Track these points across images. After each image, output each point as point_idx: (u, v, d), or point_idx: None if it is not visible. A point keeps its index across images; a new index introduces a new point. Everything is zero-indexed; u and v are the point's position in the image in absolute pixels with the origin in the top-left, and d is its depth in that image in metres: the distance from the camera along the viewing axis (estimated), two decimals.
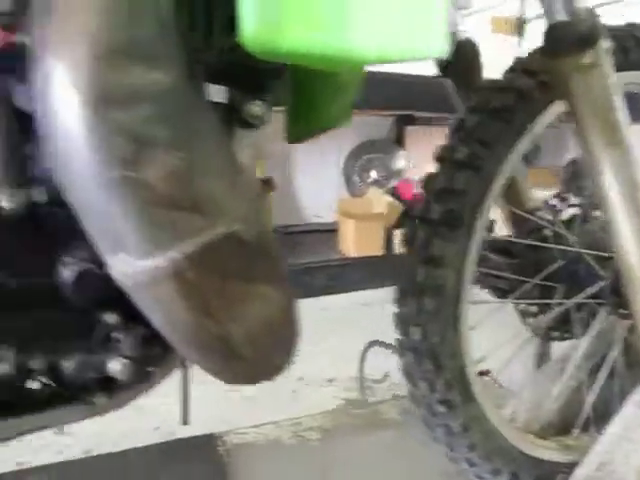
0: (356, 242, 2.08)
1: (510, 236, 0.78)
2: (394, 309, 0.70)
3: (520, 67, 0.67)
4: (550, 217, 0.78)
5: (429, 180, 0.65)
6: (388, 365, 1.14)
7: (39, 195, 0.39)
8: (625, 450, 0.76)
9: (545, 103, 0.66)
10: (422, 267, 0.64)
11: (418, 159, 2.19)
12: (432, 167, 0.67)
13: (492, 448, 0.72)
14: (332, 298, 1.88)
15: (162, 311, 0.37)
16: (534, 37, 0.69)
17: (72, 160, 0.34)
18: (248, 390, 1.12)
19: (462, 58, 0.71)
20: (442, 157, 0.65)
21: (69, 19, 0.33)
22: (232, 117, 0.44)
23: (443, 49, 0.38)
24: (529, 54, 0.68)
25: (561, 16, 0.55)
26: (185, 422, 0.58)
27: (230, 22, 0.43)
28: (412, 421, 1.00)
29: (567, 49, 0.55)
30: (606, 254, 0.72)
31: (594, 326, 0.77)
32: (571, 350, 0.85)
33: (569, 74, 0.56)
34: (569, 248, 0.74)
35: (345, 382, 1.39)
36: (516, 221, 0.79)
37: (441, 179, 0.64)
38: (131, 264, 0.35)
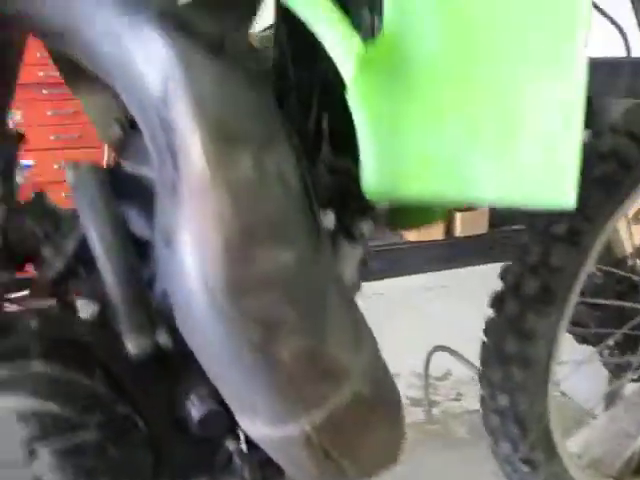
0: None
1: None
2: (480, 365, 0.71)
3: (622, 128, 0.62)
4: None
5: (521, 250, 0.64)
6: (449, 363, 1.12)
7: (164, 339, 0.40)
8: None
9: None
10: (512, 337, 0.64)
11: None
12: None
13: None
14: (392, 281, 1.87)
15: (288, 461, 0.39)
16: None
17: (203, 340, 0.35)
18: None
19: None
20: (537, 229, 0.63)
21: (198, 197, 0.33)
22: (339, 237, 0.45)
23: (571, 201, 0.36)
24: (628, 112, 0.64)
25: None
26: None
27: (339, 144, 0.43)
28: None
29: None
30: None
31: None
32: None
33: None
34: None
35: (408, 377, 1.40)
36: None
37: (536, 252, 0.62)
38: (261, 429, 0.37)
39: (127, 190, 0.42)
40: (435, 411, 1.23)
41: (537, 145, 0.35)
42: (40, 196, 0.44)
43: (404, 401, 1.39)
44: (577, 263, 0.62)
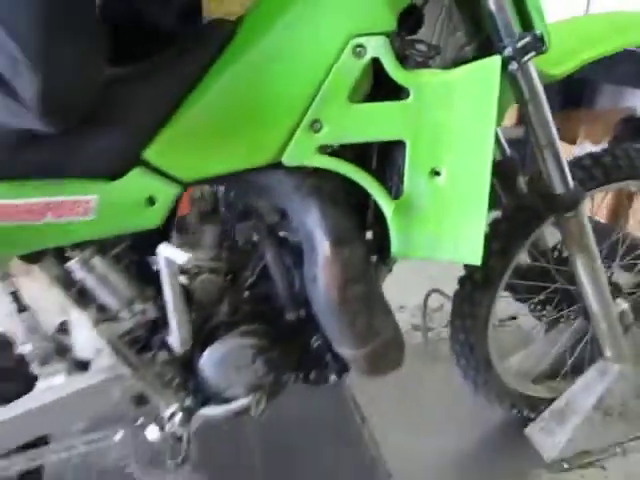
0: None
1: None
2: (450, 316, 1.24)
3: None
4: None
5: None
6: (442, 300, 1.60)
7: (303, 314, 0.93)
8: (583, 396, 1.30)
9: None
10: (467, 303, 1.17)
11: None
12: None
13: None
14: None
15: (356, 364, 0.93)
16: None
17: (325, 315, 0.87)
18: None
19: None
20: None
21: (327, 265, 0.84)
22: (380, 266, 0.95)
23: (478, 259, 0.85)
24: None
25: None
26: None
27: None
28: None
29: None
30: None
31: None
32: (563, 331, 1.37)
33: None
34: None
35: (412, 310, 1.94)
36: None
37: None
38: (345, 351, 0.90)
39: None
40: (430, 335, 1.77)
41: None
42: None
43: (408, 327, 1.97)
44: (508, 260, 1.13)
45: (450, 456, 1.33)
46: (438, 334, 1.77)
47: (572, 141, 2.67)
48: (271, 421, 1.40)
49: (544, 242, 1.24)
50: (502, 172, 1.14)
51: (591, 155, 1.13)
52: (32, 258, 0.81)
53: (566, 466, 1.29)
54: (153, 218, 0.78)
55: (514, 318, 1.72)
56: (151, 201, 0.77)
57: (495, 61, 0.72)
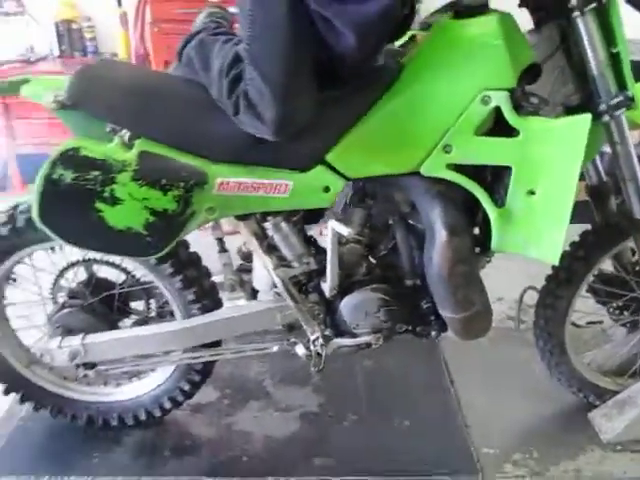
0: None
1: None
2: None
3: None
4: None
5: None
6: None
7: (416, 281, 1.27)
8: None
9: None
10: (549, 296, 1.45)
11: None
12: None
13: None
14: None
15: (452, 326, 1.26)
16: None
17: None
18: None
19: None
20: None
21: (442, 248, 1.18)
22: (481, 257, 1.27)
23: (556, 260, 1.14)
24: None
25: None
26: None
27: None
28: None
29: None
30: None
31: None
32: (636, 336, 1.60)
33: None
34: None
35: (509, 303, 2.20)
36: None
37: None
38: (448, 314, 1.23)
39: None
40: (522, 327, 2.03)
41: None
42: None
43: (503, 316, 2.26)
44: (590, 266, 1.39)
45: (520, 422, 1.63)
46: (528, 327, 2.03)
47: None
48: (377, 369, 1.79)
49: (627, 256, 1.48)
50: (596, 194, 1.40)
51: None
52: (242, 217, 1.23)
53: (619, 448, 1.53)
54: (326, 201, 1.16)
55: (600, 322, 1.94)
56: (327, 189, 1.15)
57: (586, 118, 1.01)
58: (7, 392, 1.50)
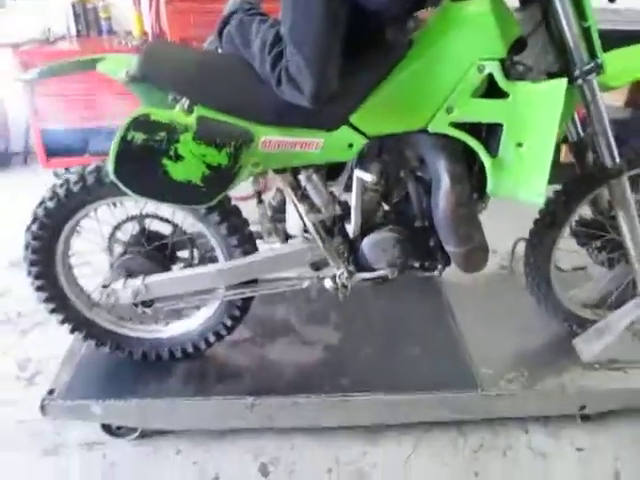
0: None
1: None
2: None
3: None
4: None
5: None
6: None
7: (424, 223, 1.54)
8: (619, 320, 1.82)
9: None
10: (534, 245, 1.72)
11: None
12: None
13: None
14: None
15: (455, 254, 1.53)
16: None
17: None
18: None
19: None
20: None
21: (445, 195, 1.44)
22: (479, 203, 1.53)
23: (541, 201, 1.41)
24: None
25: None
26: None
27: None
28: None
29: None
30: None
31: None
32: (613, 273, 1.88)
33: None
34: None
35: (502, 254, 2.49)
36: None
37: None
38: (451, 248, 1.50)
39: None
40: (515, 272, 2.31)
41: None
42: None
43: (496, 267, 2.59)
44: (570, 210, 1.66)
45: (513, 348, 1.92)
46: (519, 274, 2.32)
47: None
48: (388, 309, 2.07)
49: (603, 202, 1.75)
50: (576, 150, 1.66)
51: None
52: (279, 171, 1.48)
53: (597, 366, 1.82)
54: (350, 155, 1.42)
55: (584, 268, 2.22)
56: (350, 145, 1.41)
57: (562, 82, 1.27)
58: (73, 331, 1.77)
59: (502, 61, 1.31)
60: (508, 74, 1.33)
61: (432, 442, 1.79)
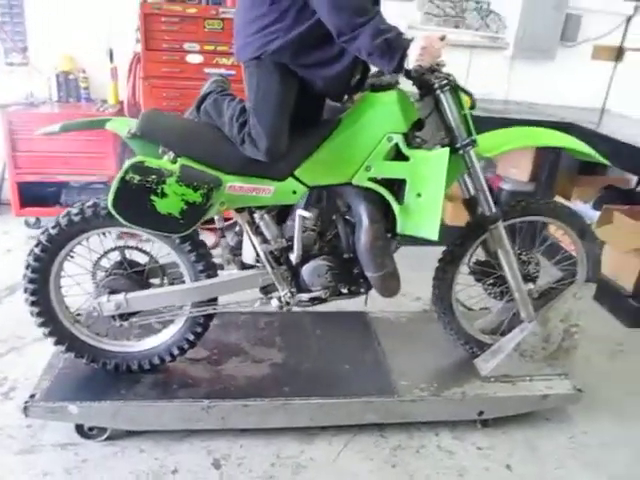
0: (451, 216, 3.60)
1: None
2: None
3: None
4: None
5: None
6: None
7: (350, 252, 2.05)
8: (509, 342, 2.33)
9: None
10: (440, 284, 2.25)
11: None
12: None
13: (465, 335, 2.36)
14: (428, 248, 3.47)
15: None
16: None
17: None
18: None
19: None
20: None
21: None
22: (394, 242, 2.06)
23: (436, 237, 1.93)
24: None
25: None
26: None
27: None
28: None
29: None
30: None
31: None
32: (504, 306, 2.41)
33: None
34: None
35: (425, 300, 3.02)
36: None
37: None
38: (370, 275, 2.00)
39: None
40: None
41: None
42: None
43: (420, 309, 3.15)
44: (465, 249, 2.20)
45: (426, 366, 2.39)
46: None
47: (567, 198, 3.69)
48: (325, 336, 2.53)
49: (492, 245, 2.30)
50: (468, 204, 2.22)
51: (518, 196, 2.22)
52: (239, 210, 1.97)
53: (492, 380, 2.31)
54: (294, 199, 1.94)
55: (487, 309, 2.75)
56: (294, 192, 1.93)
57: (445, 150, 1.84)
58: (57, 343, 2.14)
59: (405, 135, 1.88)
60: (410, 144, 1.89)
61: (359, 442, 2.21)
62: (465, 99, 1.92)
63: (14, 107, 3.54)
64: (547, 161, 3.69)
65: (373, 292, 2.14)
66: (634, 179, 3.93)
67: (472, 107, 1.98)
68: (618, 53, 4.13)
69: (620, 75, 4.14)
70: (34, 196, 3.61)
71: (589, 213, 3.44)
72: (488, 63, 4.14)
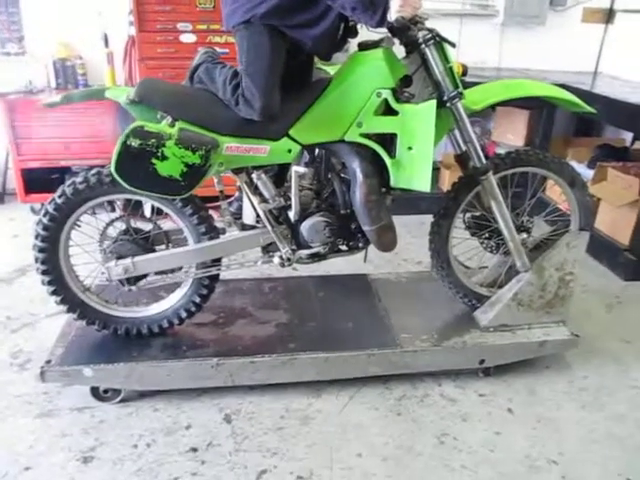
0: (448, 183, 3.68)
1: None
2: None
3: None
4: None
5: None
6: None
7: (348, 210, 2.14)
8: (506, 293, 2.42)
9: None
10: (436, 231, 2.34)
11: None
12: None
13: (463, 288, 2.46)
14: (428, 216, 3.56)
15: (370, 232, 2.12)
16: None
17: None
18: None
19: None
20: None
21: (360, 188, 2.04)
22: (387, 196, 2.15)
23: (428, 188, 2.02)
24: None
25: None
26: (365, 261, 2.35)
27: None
28: None
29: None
30: None
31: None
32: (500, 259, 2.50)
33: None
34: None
35: (425, 264, 3.11)
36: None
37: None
38: (366, 229, 2.09)
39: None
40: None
41: None
42: None
43: (423, 269, 3.25)
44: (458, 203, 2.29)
45: (427, 319, 2.48)
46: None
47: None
48: (328, 297, 2.62)
49: (485, 199, 2.38)
50: (460, 159, 2.30)
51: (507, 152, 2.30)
52: (237, 171, 2.06)
53: (491, 330, 2.40)
54: (289, 158, 2.03)
55: (486, 267, 2.84)
56: (289, 151, 2.01)
57: (432, 103, 1.92)
58: (68, 311, 2.24)
59: (393, 90, 1.96)
60: (398, 99, 1.97)
61: (364, 394, 2.31)
62: (457, 66, 2.02)
63: (14, 95, 3.63)
64: (541, 124, 3.76)
65: (374, 257, 2.23)
66: (628, 139, 4.00)
67: (464, 74, 2.06)
68: (608, 15, 4.18)
69: (611, 37, 4.21)
70: (39, 183, 3.71)
71: (584, 172, 3.51)
72: (479, 31, 4.20)
